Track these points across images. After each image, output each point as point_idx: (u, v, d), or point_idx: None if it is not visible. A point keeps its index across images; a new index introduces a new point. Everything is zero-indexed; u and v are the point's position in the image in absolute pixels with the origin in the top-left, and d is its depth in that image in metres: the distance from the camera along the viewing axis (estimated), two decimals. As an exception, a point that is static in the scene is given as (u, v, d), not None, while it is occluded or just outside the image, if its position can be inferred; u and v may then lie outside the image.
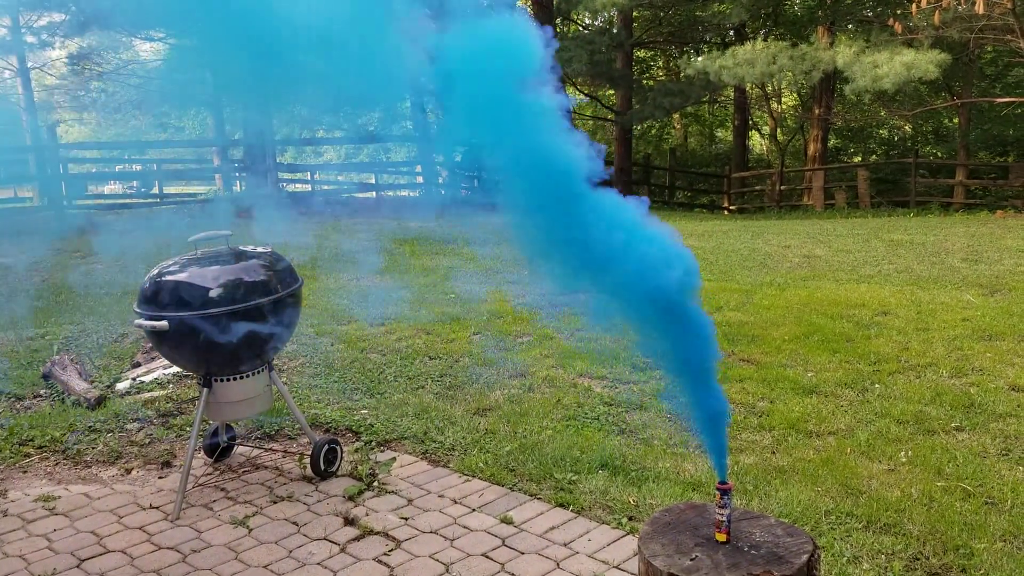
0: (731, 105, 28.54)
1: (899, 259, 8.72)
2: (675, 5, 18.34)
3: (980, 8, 11.23)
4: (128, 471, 3.81)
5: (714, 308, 6.58)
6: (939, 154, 26.24)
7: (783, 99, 32.12)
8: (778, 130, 31.80)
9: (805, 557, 1.91)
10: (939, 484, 3.44)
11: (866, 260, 8.71)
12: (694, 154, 32.97)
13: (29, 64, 21.54)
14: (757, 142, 34.86)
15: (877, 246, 9.79)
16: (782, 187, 23.66)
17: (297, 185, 23.51)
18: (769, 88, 29.24)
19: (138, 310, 3.25)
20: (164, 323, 3.14)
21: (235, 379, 3.38)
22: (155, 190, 23.30)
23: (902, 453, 3.75)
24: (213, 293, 3.17)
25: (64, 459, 3.96)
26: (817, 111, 23.48)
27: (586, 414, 4.39)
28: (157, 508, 3.43)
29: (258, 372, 3.45)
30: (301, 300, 3.56)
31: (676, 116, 32.00)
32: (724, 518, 1.99)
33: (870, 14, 19.77)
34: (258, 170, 16.83)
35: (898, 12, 13.25)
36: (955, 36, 12.82)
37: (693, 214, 21.43)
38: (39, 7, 16.64)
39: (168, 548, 3.10)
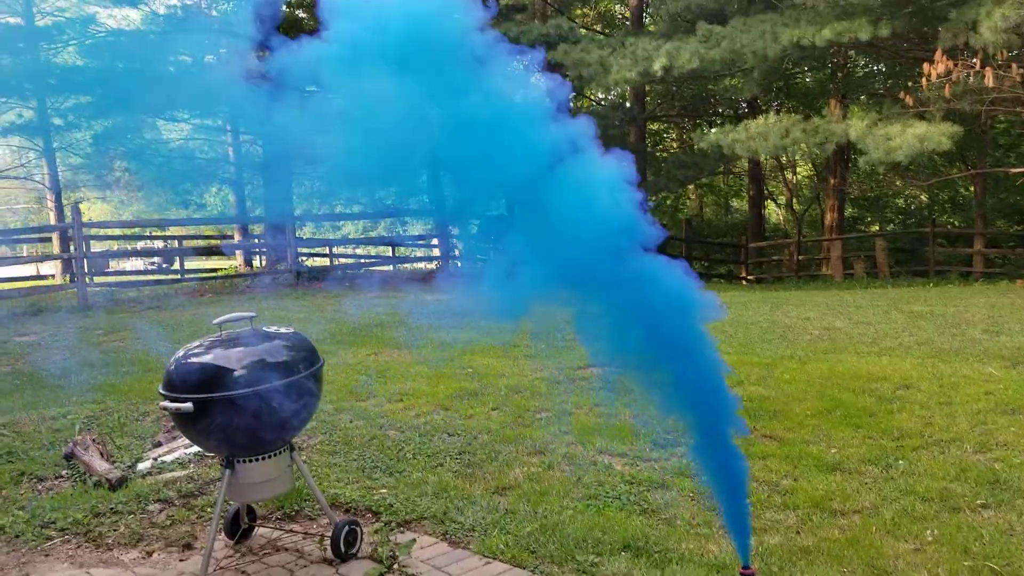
0: (746, 175, 28.85)
1: (919, 331, 8.68)
2: (687, 81, 18.68)
3: (990, 81, 11.39)
4: (149, 553, 3.80)
5: (735, 382, 6.55)
6: (956, 223, 26.27)
7: (798, 169, 32.45)
8: (794, 200, 32.03)
9: (833, 646, 1.88)
10: (966, 564, 3.38)
11: (887, 332, 8.67)
12: (710, 224, 33.19)
13: (55, 144, 22.11)
14: (773, 212, 35.08)
15: (897, 317, 9.76)
16: (800, 257, 23.72)
17: (316, 259, 23.80)
18: (784, 159, 29.54)
19: (163, 392, 3.29)
20: (189, 405, 3.17)
21: (257, 460, 3.40)
22: (176, 266, 23.62)
23: (928, 532, 3.69)
24: (237, 375, 3.21)
25: (86, 541, 3.96)
26: (832, 181, 23.68)
27: (607, 493, 4.35)
28: (177, 592, 3.41)
29: (280, 453, 3.47)
30: (322, 380, 3.60)
31: (691, 187, 32.36)
32: (749, 605, 1.97)
33: (881, 88, 20.11)
34: (278, 246, 17.07)
35: (909, 85, 13.45)
36: (966, 108, 12.99)
37: (711, 284, 21.43)
38: (65, 90, 17.23)
39: (188, 634, 3.08)
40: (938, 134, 12.07)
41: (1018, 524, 3.76)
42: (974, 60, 11.73)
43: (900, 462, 4.62)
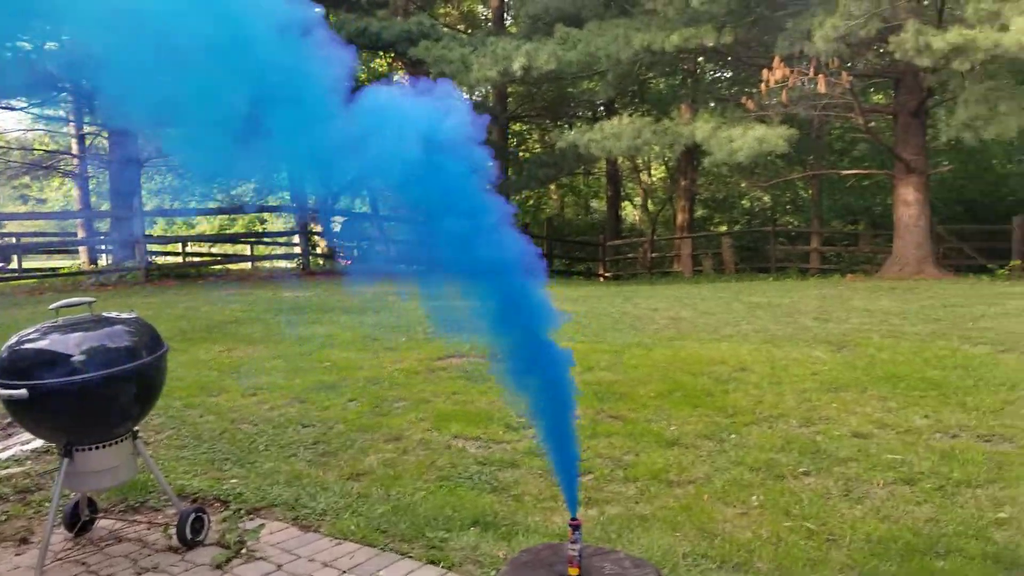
0: (604, 177, 29.74)
1: (757, 320, 9.24)
2: (547, 82, 19.10)
3: (822, 88, 12.25)
4: (-20, 551, 3.63)
5: (586, 368, 6.81)
6: (796, 223, 27.94)
7: (653, 171, 33.72)
8: (649, 201, 33.28)
9: (649, 586, 2.06)
10: (786, 525, 3.68)
11: (727, 321, 9.19)
12: (570, 223, 33.99)
13: None
14: (630, 212, 36.28)
15: (738, 308, 10.35)
16: (653, 254, 24.70)
17: (168, 257, 22.91)
18: (639, 161, 30.63)
19: (-7, 380, 3.17)
20: (23, 391, 3.07)
21: (98, 448, 3.32)
22: (13, 264, 22.19)
23: (754, 498, 4.00)
24: (75, 360, 3.13)
25: (-93, 543, 3.74)
26: (683, 182, 24.75)
27: (460, 474, 4.47)
28: (11, 587, 3.29)
29: (122, 440, 3.40)
30: (166, 366, 3.54)
31: (552, 187, 33.06)
32: (576, 553, 2.12)
33: (727, 94, 21.17)
34: (126, 242, 16.33)
35: (751, 91, 14.25)
36: (801, 113, 13.89)
37: (570, 281, 21.98)
38: None
39: (22, 627, 2.99)
40: (775, 137, 12.87)
41: (834, 488, 4.12)
42: (808, 68, 12.58)
43: (732, 436, 4.95)
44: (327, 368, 7.12)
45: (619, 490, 4.19)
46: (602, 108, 24.92)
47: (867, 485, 4.14)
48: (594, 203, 36.23)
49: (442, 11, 27.62)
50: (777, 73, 12.25)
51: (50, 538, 3.40)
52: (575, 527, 2.11)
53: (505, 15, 21.48)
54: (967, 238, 18.88)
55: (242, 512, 3.94)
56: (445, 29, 20.00)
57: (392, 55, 21.40)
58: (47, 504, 4.02)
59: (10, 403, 3.15)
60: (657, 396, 5.90)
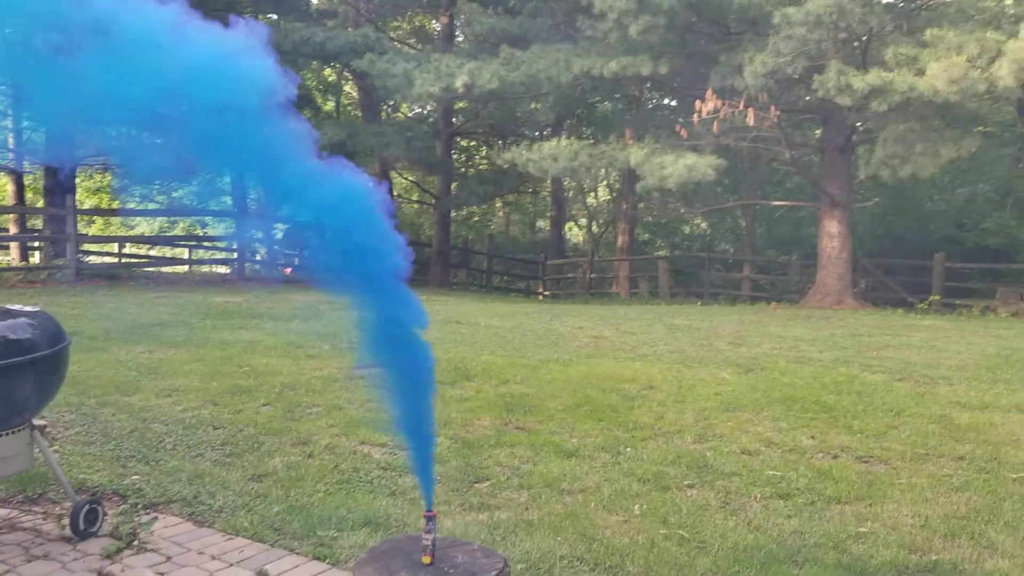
0: (550, 196, 30.13)
1: (675, 341, 9.54)
2: (491, 100, 19.38)
3: (751, 120, 12.71)
4: None
5: (501, 381, 6.99)
6: (732, 250, 28.61)
7: (598, 194, 34.23)
8: (593, 223, 33.76)
9: (494, 573, 2.23)
10: (662, 532, 3.90)
11: (646, 341, 9.47)
12: (515, 241, 34.29)
13: None
14: (576, 233, 36.76)
15: (659, 329, 10.65)
16: (592, 275, 25.11)
17: (104, 258, 22.54)
18: (584, 183, 31.06)
19: None
20: (-84, 379, 3.13)
21: (-8, 438, 3.39)
22: (-61, 257, 21.65)
23: (637, 507, 4.21)
24: (-28, 350, 3.20)
25: None
26: (625, 206, 25.21)
27: (361, 478, 4.60)
28: None
29: (19, 431, 3.47)
30: (68, 359, 3.63)
31: (499, 204, 33.35)
32: (429, 543, 2.28)
33: (670, 120, 21.70)
34: (57, 240, 16.08)
35: (686, 120, 14.69)
36: (731, 144, 14.36)
37: (508, 298, 22.22)
38: None
39: (-97, 610, 3.04)
40: (705, 165, 13.28)
41: (713, 500, 4.35)
42: (739, 101, 13.04)
43: (628, 449, 5.17)
44: (245, 373, 7.18)
45: (512, 496, 4.37)
46: (548, 129, 25.32)
47: (745, 498, 4.38)
48: (540, 222, 36.62)
49: (395, 24, 27.79)
50: (709, 104, 12.67)
51: (-59, 526, 3.45)
52: (429, 519, 2.28)
53: (455, 32, 21.74)
54: (893, 272, 19.59)
55: (139, 507, 4.02)
56: (394, 43, 20.19)
57: (337, 66, 21.46)
58: (-58, 494, 4.05)
59: (-95, 390, 3.21)
60: (565, 410, 6.10)
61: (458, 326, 10.40)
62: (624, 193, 24.87)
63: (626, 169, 15.47)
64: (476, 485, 4.57)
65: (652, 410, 6.15)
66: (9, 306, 3.57)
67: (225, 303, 12.43)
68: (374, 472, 4.69)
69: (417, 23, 28.77)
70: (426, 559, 2.27)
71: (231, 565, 3.44)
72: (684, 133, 13.82)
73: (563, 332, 10.19)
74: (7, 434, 3.44)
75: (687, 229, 32.47)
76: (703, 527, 3.98)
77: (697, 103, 13.07)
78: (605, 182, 31.01)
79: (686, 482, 4.61)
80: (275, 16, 21.57)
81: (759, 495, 4.42)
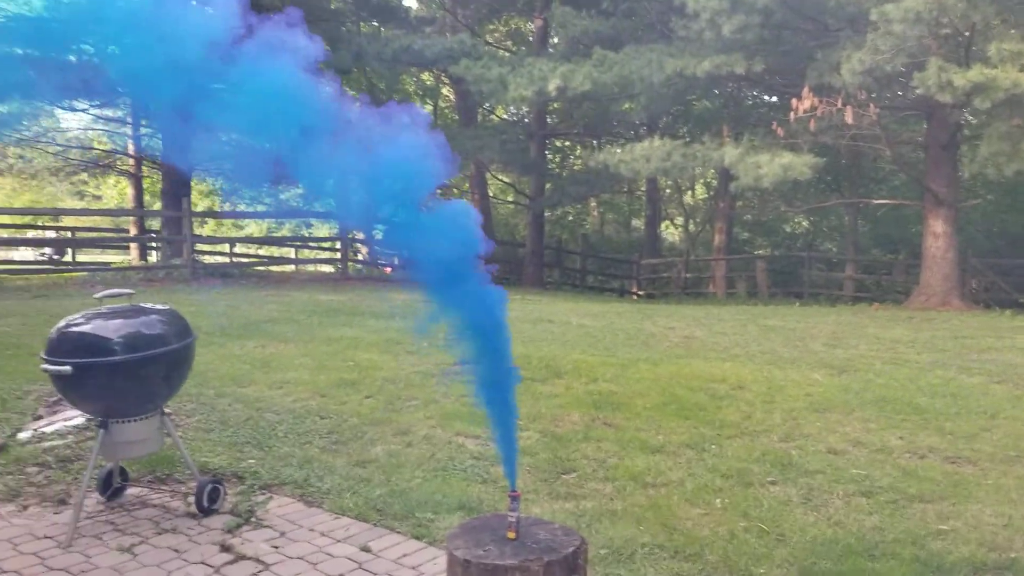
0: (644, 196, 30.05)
1: (767, 342, 9.54)
2: (584, 101, 19.54)
3: (849, 118, 12.51)
4: (25, 507, 4.14)
5: (590, 379, 7.18)
6: (835, 250, 27.95)
7: (696, 192, 33.91)
8: (690, 221, 33.48)
9: (572, 548, 2.45)
10: (742, 524, 4.04)
11: (738, 342, 9.50)
12: (609, 240, 34.29)
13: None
14: (672, 232, 36.51)
15: (752, 330, 10.64)
16: (687, 275, 24.93)
17: (216, 257, 23.68)
18: (682, 182, 30.85)
19: (44, 357, 3.67)
20: (68, 368, 3.56)
21: (130, 421, 3.80)
22: (68, 258, 23.14)
23: (718, 500, 4.36)
24: (114, 343, 3.62)
25: (-37, 498, 4.26)
26: (721, 204, 24.97)
27: (456, 466, 4.89)
28: (51, 538, 3.78)
29: (151, 416, 3.88)
30: (194, 352, 4.02)
31: (593, 203, 33.45)
32: (514, 520, 2.52)
33: (770, 117, 21.41)
34: (174, 241, 17.06)
35: (782, 118, 14.54)
36: (829, 142, 14.14)
37: (601, 297, 22.34)
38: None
39: (59, 570, 3.47)
40: (801, 164, 13.13)
41: (795, 496, 4.46)
42: (837, 98, 12.85)
43: (713, 447, 5.30)
44: (349, 367, 7.58)
45: (597, 488, 4.57)
46: (644, 128, 25.29)
47: (827, 495, 4.47)
48: (635, 222, 36.51)
49: (490, 27, 28.22)
50: (806, 102, 12.53)
51: (84, 500, 3.88)
52: (513, 498, 2.51)
53: (549, 35, 21.98)
54: (1006, 272, 18.86)
55: (255, 487, 4.40)
56: (489, 47, 20.54)
57: (435, 71, 22.00)
58: (84, 472, 4.52)
59: (57, 378, 3.65)
60: (652, 408, 6.26)
61: (550, 325, 10.63)
62: (721, 191, 24.64)
63: (721, 168, 15.40)
64: (563, 476, 4.80)
65: (740, 409, 6.25)
66: (143, 304, 3.98)
67: (330, 301, 13.00)
68: (468, 461, 4.97)
69: (512, 26, 29.13)
70: (511, 534, 2.51)
71: (338, 541, 3.77)
72: (780, 132, 13.69)
73: (654, 332, 10.30)
74: (141, 419, 3.85)
75: (788, 228, 31.84)
76: (783, 521, 4.10)
77: (793, 101, 12.93)
78: (702, 180, 30.76)
79: (769, 479, 4.72)
80: (376, 24, 22.29)
81: (841, 492, 4.50)
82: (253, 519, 3.99)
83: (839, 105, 12.67)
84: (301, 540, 3.78)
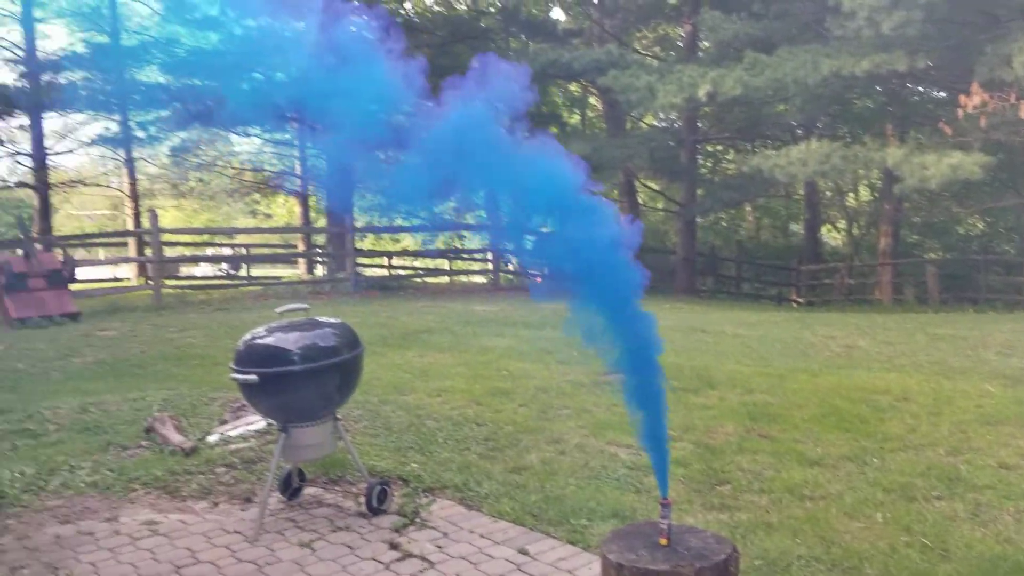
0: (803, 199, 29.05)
1: (936, 351, 9.09)
2: (736, 106, 19.17)
3: (1022, 114, 11.71)
4: (216, 504, 4.56)
5: (745, 390, 7.10)
6: (1012, 252, 26.07)
7: (860, 194, 32.41)
8: (853, 225, 32.04)
9: (724, 556, 2.51)
10: (904, 539, 3.93)
11: (904, 352, 9.10)
12: (767, 246, 33.31)
13: (135, 155, 23.41)
14: (834, 236, 35.10)
15: (920, 339, 10.15)
16: (850, 281, 23.88)
17: (375, 270, 24.74)
18: (844, 184, 29.58)
19: (233, 367, 4.04)
20: (254, 377, 3.91)
21: (307, 426, 4.13)
22: (243, 272, 24.80)
23: (879, 515, 4.25)
24: (293, 354, 3.95)
25: (164, 494, 4.74)
26: (887, 207, 23.82)
27: (608, 475, 4.98)
28: (239, 533, 4.15)
29: (325, 421, 4.19)
30: (362, 363, 4.31)
31: (749, 208, 32.64)
32: (665, 527, 2.60)
33: (938, 114, 20.28)
34: (338, 255, 17.99)
35: (949, 116, 13.78)
36: (1002, 139, 13.28)
37: (758, 305, 21.77)
38: (147, 106, 18.24)
39: (247, 562, 3.81)
40: (971, 163, 12.40)
41: (962, 512, 4.29)
42: (1010, 93, 12.07)
43: (875, 460, 5.15)
44: (504, 376, 7.82)
45: (752, 499, 4.55)
46: (801, 129, 24.51)
47: (996, 511, 4.27)
48: (794, 226, 35.31)
49: (639, 35, 28.17)
50: (975, 98, 11.84)
51: (268, 499, 4.24)
52: (665, 505, 2.59)
53: (699, 40, 21.73)
54: None
55: (419, 490, 4.65)
56: (636, 55, 20.52)
57: (583, 83, 22.17)
58: (267, 472, 4.92)
59: (244, 386, 4.01)
60: (810, 419, 6.13)
61: (703, 335, 10.53)
62: (886, 193, 23.50)
63: (885, 169, 14.74)
64: (717, 487, 4.80)
65: (904, 422, 6.02)
66: (318, 318, 4.31)
67: (484, 311, 13.38)
68: (621, 470, 5.05)
69: (661, 31, 28.96)
70: (663, 541, 2.59)
71: (496, 543, 3.95)
72: (948, 130, 12.98)
73: (813, 341, 10.02)
74: (317, 424, 4.16)
75: (961, 229, 29.94)
76: (948, 536, 3.95)
77: (962, 98, 12.24)
78: (865, 181, 29.42)
79: (934, 493, 4.55)
80: (524, 38, 22.73)
81: (1012, 508, 4.29)
82: (418, 520, 4.23)
83: (1012, 100, 11.89)
84: (462, 541, 3.98)
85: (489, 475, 4.94)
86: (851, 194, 32.26)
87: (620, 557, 2.52)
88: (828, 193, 30.82)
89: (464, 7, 25.52)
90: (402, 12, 25.80)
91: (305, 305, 4.28)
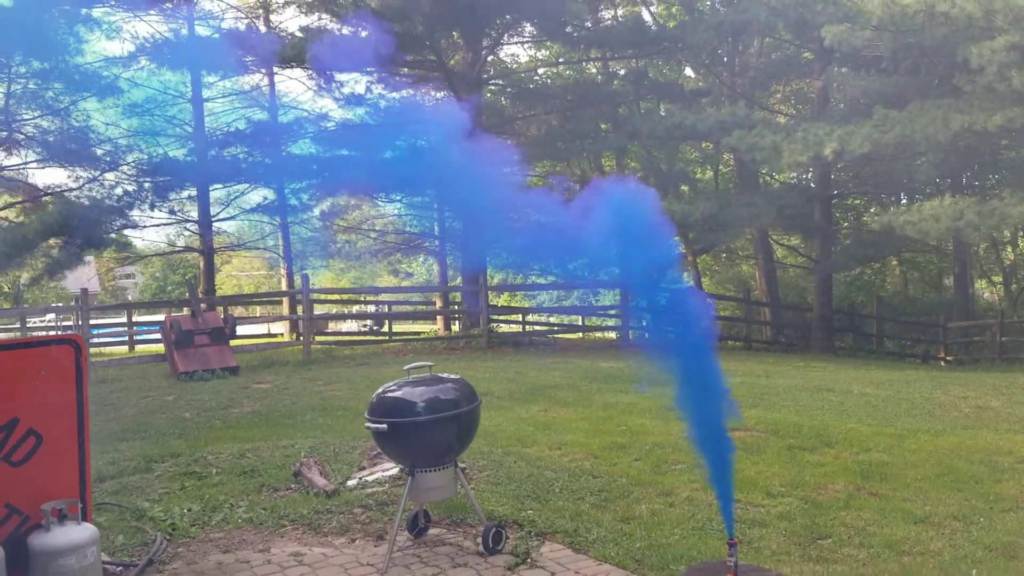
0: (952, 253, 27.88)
1: (1076, 413, 8.78)
2: (870, 163, 18.90)
3: None
4: (353, 540, 5.12)
5: (862, 449, 7.16)
6: None
7: (1021, 246, 30.76)
8: (1012, 280, 30.38)
9: (783, 593, 2.81)
10: (996, 595, 4.03)
11: (1039, 413, 8.84)
12: (914, 302, 31.98)
13: (289, 220, 25.17)
14: (991, 291, 33.35)
15: (1061, 400, 9.79)
16: (1003, 338, 22.70)
17: (510, 326, 25.41)
18: (1000, 236, 28.20)
19: (368, 416, 4.62)
20: (384, 426, 4.47)
21: (431, 471, 4.64)
22: (385, 328, 26.03)
23: (974, 571, 4.34)
24: (418, 406, 4.49)
25: (309, 530, 5.35)
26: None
27: (713, 527, 5.24)
28: (371, 565, 4.69)
29: (447, 467, 4.70)
30: (479, 414, 4.81)
31: (895, 262, 31.54)
32: (732, 564, 2.93)
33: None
34: (472, 313, 18.78)
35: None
36: None
37: (900, 364, 21.03)
38: (300, 176, 19.70)
39: (377, 589, 4.33)
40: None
41: (1062, 573, 4.33)
42: None
43: (982, 519, 5.19)
44: (622, 431, 8.15)
45: (851, 553, 4.72)
46: (949, 181, 23.70)
47: (1101, 574, 4.28)
48: (947, 281, 33.73)
49: (775, 89, 28.15)
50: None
51: (396, 537, 4.76)
52: (732, 545, 2.92)
53: (830, 96, 21.60)
54: None
55: (532, 534, 5.07)
56: (762, 113, 20.59)
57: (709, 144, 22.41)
58: (397, 512, 5.46)
59: (376, 434, 4.58)
60: (923, 479, 6.17)
61: (829, 394, 10.50)
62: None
63: (1022, 226, 14.23)
64: (819, 541, 4.98)
65: (1021, 484, 5.98)
66: (440, 374, 4.85)
67: (609, 368, 13.70)
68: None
69: (795, 86, 28.82)
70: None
71: (598, 583, 4.31)
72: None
73: (943, 401, 9.83)
74: (440, 469, 4.67)
75: None
76: (1043, 596, 4.03)
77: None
78: (1022, 234, 27.98)
79: (1039, 554, 4.59)
80: (653, 99, 23.21)
81: (1120, 573, 4.29)
82: (529, 560, 4.65)
83: None
84: (568, 580, 4.36)
85: (599, 523, 5.30)
86: (1010, 248, 30.69)
87: (690, 589, 2.87)
88: (983, 246, 29.43)
89: (594, 70, 26.30)
90: (535, 79, 26.89)
91: (429, 363, 4.83)
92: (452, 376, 4.85)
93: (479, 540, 4.87)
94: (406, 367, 4.83)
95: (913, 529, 5.07)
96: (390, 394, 4.64)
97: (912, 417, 8.75)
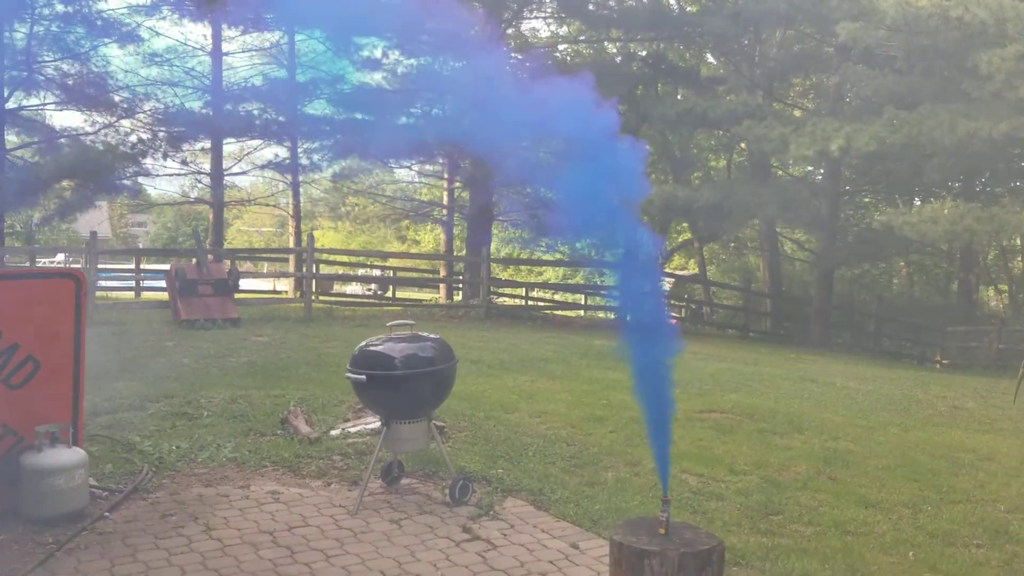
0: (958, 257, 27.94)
1: (1048, 419, 8.98)
2: (880, 162, 18.98)
3: None
4: (328, 484, 5.39)
5: (831, 437, 7.38)
6: None
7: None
8: (1016, 287, 30.43)
9: (707, 547, 3.05)
10: (927, 574, 4.27)
11: (1011, 416, 9.04)
12: (918, 304, 32.06)
13: (300, 179, 25.41)
14: (998, 299, 33.39)
15: (1036, 406, 9.98)
16: (999, 345, 22.82)
17: (514, 300, 25.61)
18: (1009, 244, 28.25)
19: (349, 367, 4.87)
20: (363, 377, 4.72)
21: (405, 423, 4.89)
22: (389, 294, 26.28)
23: (912, 553, 4.59)
24: (396, 361, 4.73)
25: (288, 472, 5.62)
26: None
27: (674, 497, 5.45)
28: (343, 507, 4.96)
29: (421, 420, 4.95)
30: (455, 373, 5.06)
31: (902, 263, 31.64)
32: (664, 519, 3.17)
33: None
34: (474, 283, 19.01)
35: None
36: None
37: (895, 363, 21.21)
38: (313, 136, 19.90)
39: (345, 529, 4.60)
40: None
41: (995, 560, 4.56)
42: None
43: (930, 508, 5.42)
44: (602, 405, 8.39)
45: (798, 529, 4.97)
46: (959, 184, 23.72)
47: (1030, 564, 4.52)
48: (954, 286, 33.74)
49: (796, 81, 28.11)
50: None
51: (368, 482, 5.03)
52: (665, 501, 3.15)
53: (845, 93, 21.63)
54: None
55: (499, 490, 5.33)
56: (777, 105, 20.65)
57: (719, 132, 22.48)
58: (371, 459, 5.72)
59: (355, 384, 4.83)
60: (883, 468, 6.40)
61: (811, 384, 10.72)
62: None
63: (1021, 234, 14.36)
64: (770, 516, 5.22)
65: (976, 478, 6.21)
66: (421, 333, 5.09)
67: (602, 346, 13.92)
68: (686, 495, 5.54)
69: (814, 80, 28.79)
70: (661, 530, 3.15)
71: (554, 538, 4.57)
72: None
73: (920, 400, 10.05)
74: (414, 422, 4.93)
75: None
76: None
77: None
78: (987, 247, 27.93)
79: (975, 541, 4.82)
80: (670, 83, 23.26)
81: (1047, 564, 4.52)
82: (491, 512, 4.91)
83: None
84: (525, 532, 4.62)
85: (564, 485, 5.55)
86: (1020, 257, 30.71)
87: (623, 539, 3.11)
88: (992, 254, 29.48)
89: (613, 50, 26.33)
90: (556, 55, 26.91)
91: (411, 322, 5.07)
92: (432, 336, 5.09)
93: (446, 491, 5.13)
94: (388, 323, 5.07)
95: (863, 512, 5.30)
96: (372, 348, 4.88)
97: (887, 412, 8.97)
